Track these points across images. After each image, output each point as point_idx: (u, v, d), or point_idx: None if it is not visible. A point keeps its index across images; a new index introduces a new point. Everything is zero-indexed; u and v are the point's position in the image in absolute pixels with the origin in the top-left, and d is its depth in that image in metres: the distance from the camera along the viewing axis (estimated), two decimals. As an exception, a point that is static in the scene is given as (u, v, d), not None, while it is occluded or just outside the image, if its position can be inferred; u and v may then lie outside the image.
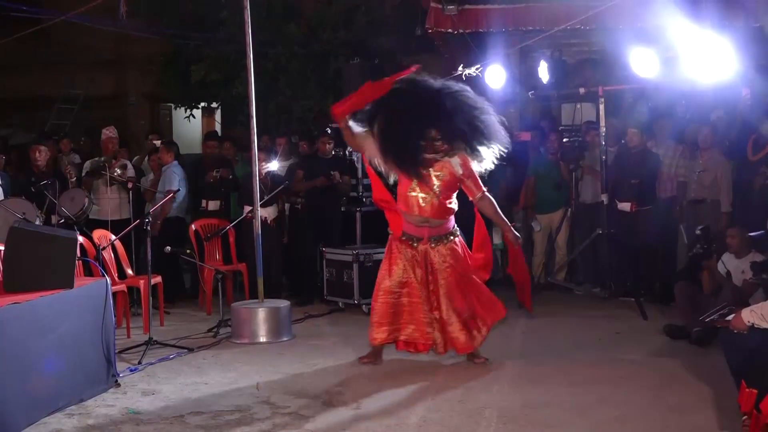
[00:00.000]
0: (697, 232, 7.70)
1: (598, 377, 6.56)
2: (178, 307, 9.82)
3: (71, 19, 12.07)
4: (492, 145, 6.70)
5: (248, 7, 8.32)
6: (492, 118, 6.73)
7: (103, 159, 9.98)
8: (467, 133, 6.64)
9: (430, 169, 6.74)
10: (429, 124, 6.64)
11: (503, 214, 7.12)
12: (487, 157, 6.76)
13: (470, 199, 6.97)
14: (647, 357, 7.18)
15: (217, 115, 18.79)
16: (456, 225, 7.04)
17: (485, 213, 7.03)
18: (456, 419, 5.62)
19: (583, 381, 6.45)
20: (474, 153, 6.72)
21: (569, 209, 10.29)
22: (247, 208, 9.33)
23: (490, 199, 6.93)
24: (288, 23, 13.97)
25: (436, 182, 6.75)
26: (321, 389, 6.36)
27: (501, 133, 6.73)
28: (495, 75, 9.94)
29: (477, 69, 9.77)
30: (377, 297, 7.05)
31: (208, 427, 5.55)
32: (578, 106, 11.64)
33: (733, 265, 7.61)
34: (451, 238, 6.94)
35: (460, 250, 6.95)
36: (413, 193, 6.81)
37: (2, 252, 6.34)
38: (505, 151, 6.79)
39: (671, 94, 9.87)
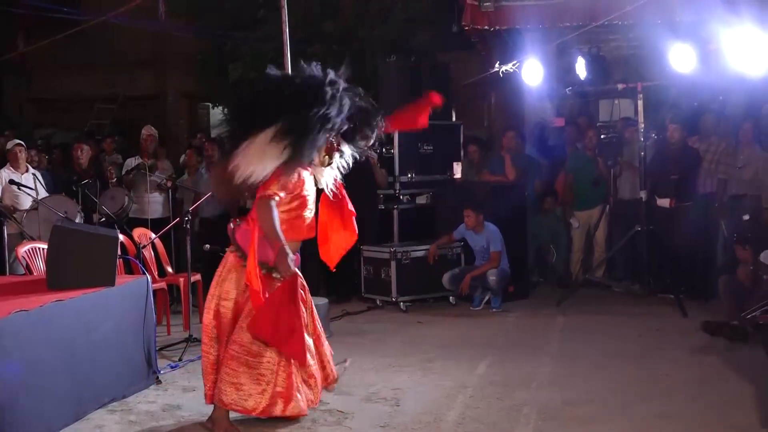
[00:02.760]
0: (745, 218, 7.59)
1: (638, 374, 6.52)
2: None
3: (111, 20, 12.20)
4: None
5: (285, 6, 8.36)
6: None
7: (145, 164, 10.03)
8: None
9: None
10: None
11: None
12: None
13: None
14: (687, 354, 7.11)
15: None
16: None
17: (261, 220, 5.25)
18: (494, 416, 5.62)
19: (623, 378, 6.42)
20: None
21: (607, 206, 10.24)
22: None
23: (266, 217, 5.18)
24: (325, 21, 14.00)
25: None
26: (360, 386, 6.38)
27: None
28: (532, 71, 9.89)
29: (514, 65, 9.74)
30: None
31: (248, 422, 5.58)
32: (616, 102, 11.56)
33: None
34: None
35: None
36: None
37: (46, 250, 6.44)
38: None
39: (711, 89, 9.76)
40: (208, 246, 8.64)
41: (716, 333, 7.53)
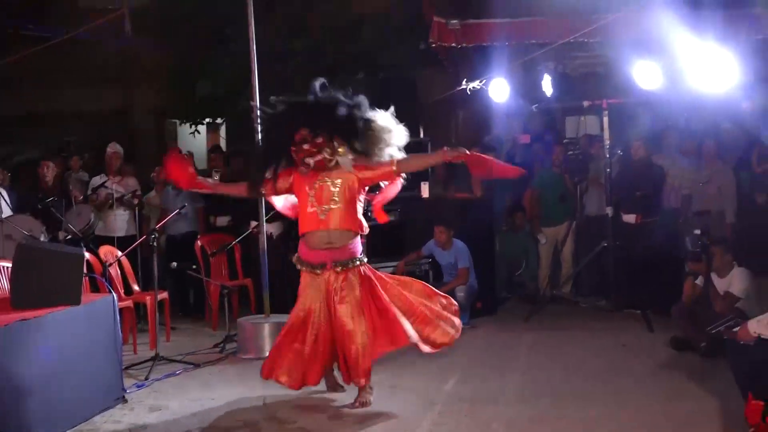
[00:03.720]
0: (696, 232, 7.68)
1: (605, 390, 6.55)
2: (184, 322, 9.83)
3: (78, 37, 12.13)
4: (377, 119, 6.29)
5: (252, 23, 8.37)
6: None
7: (111, 187, 9.96)
8: (341, 121, 6.19)
9: (326, 178, 6.29)
10: (297, 126, 6.22)
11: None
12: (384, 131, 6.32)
13: (392, 178, 6.62)
14: (654, 369, 7.16)
15: (222, 131, 18.84)
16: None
17: (411, 167, 6.63)
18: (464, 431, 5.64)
19: (590, 394, 6.45)
20: (359, 139, 6.26)
21: (574, 222, 10.32)
22: (253, 224, 9.35)
23: (406, 157, 6.42)
24: (293, 38, 14.01)
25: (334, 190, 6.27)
26: (327, 404, 6.37)
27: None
28: (499, 89, 9.97)
29: (481, 83, 9.81)
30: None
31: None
32: (582, 118, 11.67)
33: (718, 284, 7.61)
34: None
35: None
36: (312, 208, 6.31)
37: (9, 269, 6.37)
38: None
39: (675, 106, 9.89)
40: (174, 264, 8.63)
41: (684, 348, 7.60)
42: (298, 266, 6.47)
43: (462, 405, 6.25)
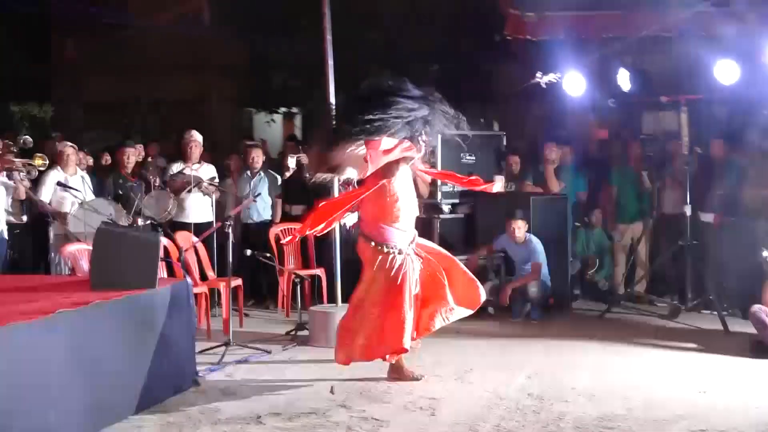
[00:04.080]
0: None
1: (676, 392, 6.44)
2: (257, 309, 9.97)
3: (158, 26, 12.38)
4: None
5: (328, 14, 8.43)
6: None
7: (189, 174, 10.14)
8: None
9: None
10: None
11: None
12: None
13: None
14: (728, 373, 7.01)
15: (297, 121, 19.04)
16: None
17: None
18: (530, 428, 5.60)
19: (661, 395, 6.36)
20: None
21: (651, 220, 10.16)
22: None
23: None
24: (368, 29, 14.09)
25: None
26: (396, 394, 6.40)
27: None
28: (574, 82, 9.86)
29: (556, 76, 9.71)
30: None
31: (285, 428, 5.63)
32: (661, 114, 11.48)
33: None
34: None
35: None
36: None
37: (90, 252, 6.55)
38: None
39: (756, 102, 9.64)
40: (249, 251, 8.75)
41: (762, 352, 7.41)
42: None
43: (530, 401, 6.21)
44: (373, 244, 6.65)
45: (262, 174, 10.42)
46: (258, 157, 10.43)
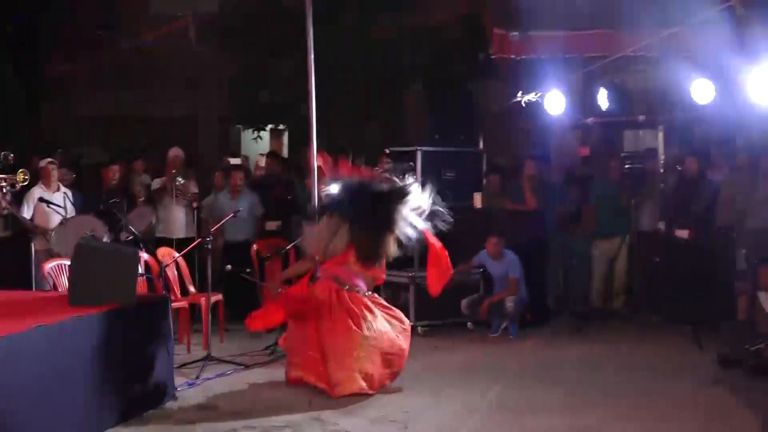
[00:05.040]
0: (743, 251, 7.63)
1: (647, 405, 6.55)
2: (238, 325, 9.98)
3: (146, 44, 12.50)
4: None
5: (311, 33, 8.55)
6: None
7: (175, 175, 10.26)
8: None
9: None
10: None
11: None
12: None
13: None
14: (699, 386, 7.11)
15: (285, 138, 19.13)
16: None
17: None
18: (502, 442, 5.70)
19: (633, 408, 6.45)
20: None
21: (628, 236, 10.28)
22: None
23: None
24: (355, 49, 14.20)
25: None
26: (371, 407, 6.49)
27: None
28: (554, 101, 10.00)
29: (536, 95, 9.85)
30: None
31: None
32: (640, 133, 11.63)
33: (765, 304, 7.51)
34: None
35: None
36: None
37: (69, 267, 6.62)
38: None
39: (730, 121, 9.79)
40: (229, 267, 8.83)
41: (731, 365, 7.53)
42: None
43: (503, 414, 6.31)
44: None
45: (245, 193, 10.50)
46: (239, 179, 10.52)
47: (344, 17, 14.35)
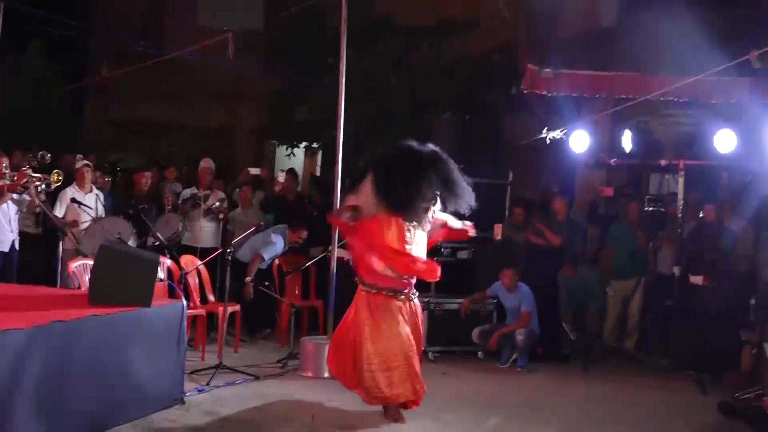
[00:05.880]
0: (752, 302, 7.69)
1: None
2: (256, 336, 10.19)
3: (185, 56, 12.83)
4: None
5: (344, 57, 8.79)
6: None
7: (200, 195, 10.51)
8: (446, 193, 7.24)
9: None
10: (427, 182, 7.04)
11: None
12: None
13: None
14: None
15: (319, 157, 19.39)
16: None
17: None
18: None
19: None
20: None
21: (643, 278, 10.34)
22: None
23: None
24: (392, 73, 14.44)
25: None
26: (370, 426, 6.63)
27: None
28: (579, 139, 10.14)
29: (561, 132, 9.98)
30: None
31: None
32: (666, 176, 11.70)
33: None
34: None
35: None
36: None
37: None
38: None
39: (752, 171, 9.87)
40: (249, 278, 9.06)
41: (732, 414, 7.57)
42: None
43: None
44: None
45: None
46: (249, 193, 10.90)
47: (383, 41, 14.60)
